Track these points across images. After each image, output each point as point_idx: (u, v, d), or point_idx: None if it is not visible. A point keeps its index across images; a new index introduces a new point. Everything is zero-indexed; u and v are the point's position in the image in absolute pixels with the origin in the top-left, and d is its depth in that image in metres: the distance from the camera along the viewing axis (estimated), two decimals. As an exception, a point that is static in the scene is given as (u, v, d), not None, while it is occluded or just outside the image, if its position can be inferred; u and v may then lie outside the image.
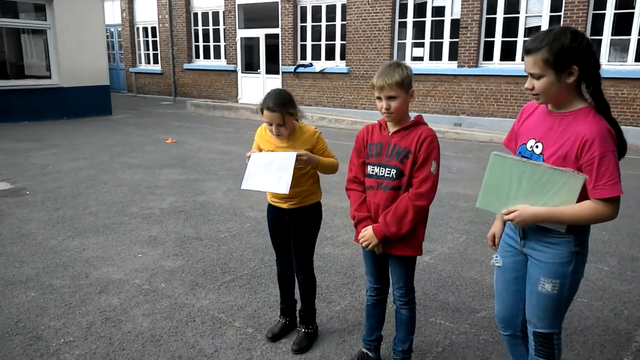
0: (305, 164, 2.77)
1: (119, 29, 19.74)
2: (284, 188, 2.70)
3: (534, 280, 2.11)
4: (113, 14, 19.53)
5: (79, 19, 13.12)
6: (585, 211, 1.94)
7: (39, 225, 5.10)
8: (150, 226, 5.11)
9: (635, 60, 10.24)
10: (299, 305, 3.20)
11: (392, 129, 2.54)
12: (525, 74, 2.02)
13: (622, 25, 10.31)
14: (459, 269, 4.17)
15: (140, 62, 19.62)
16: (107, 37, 18.76)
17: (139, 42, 19.42)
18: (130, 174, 7.27)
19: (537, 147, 2.06)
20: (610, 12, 10.33)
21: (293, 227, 2.97)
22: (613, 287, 3.84)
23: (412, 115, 2.56)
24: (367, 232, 2.53)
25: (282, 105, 2.75)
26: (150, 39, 19.02)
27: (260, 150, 2.92)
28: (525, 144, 2.11)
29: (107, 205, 5.80)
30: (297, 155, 2.70)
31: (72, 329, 3.19)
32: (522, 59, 2.06)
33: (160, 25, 18.18)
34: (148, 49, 19.26)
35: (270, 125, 2.79)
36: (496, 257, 2.31)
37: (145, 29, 19.09)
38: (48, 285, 3.80)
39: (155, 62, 19.03)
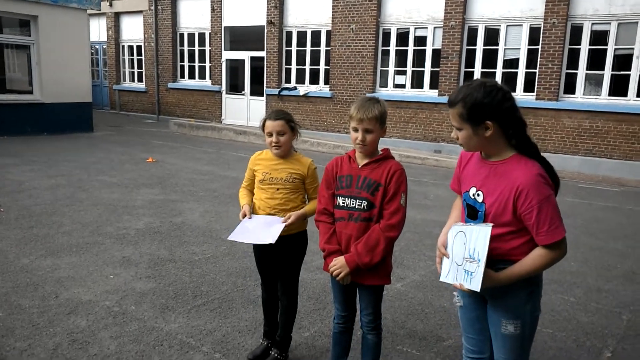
0: (294, 221, 2.89)
1: (104, 46, 19.77)
2: (270, 239, 2.83)
3: (496, 322, 2.15)
4: (99, 31, 19.59)
5: (64, 35, 13.14)
6: (536, 260, 1.99)
7: (11, 243, 5.05)
8: (124, 247, 5.09)
9: (609, 95, 10.57)
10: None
11: (361, 161, 2.62)
12: None
13: (597, 60, 10.66)
14: (429, 296, 4.22)
15: (125, 80, 19.62)
16: (92, 54, 18.82)
17: (123, 60, 19.47)
18: (108, 193, 7.24)
19: (478, 195, 2.11)
20: (585, 47, 10.69)
21: (279, 254, 3.02)
22: (577, 318, 3.92)
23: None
24: (339, 261, 2.58)
25: (284, 115, 2.95)
26: (135, 57, 19.07)
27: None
28: (468, 192, 2.17)
29: (82, 224, 5.76)
30: (283, 222, 2.87)
31: (37, 350, 3.16)
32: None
33: (146, 44, 18.27)
34: (133, 67, 19.29)
35: (271, 137, 2.91)
36: (457, 296, 2.33)
37: (130, 47, 19.15)
38: (16, 305, 3.76)
39: (140, 80, 19.06)
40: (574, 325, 3.80)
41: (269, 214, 2.97)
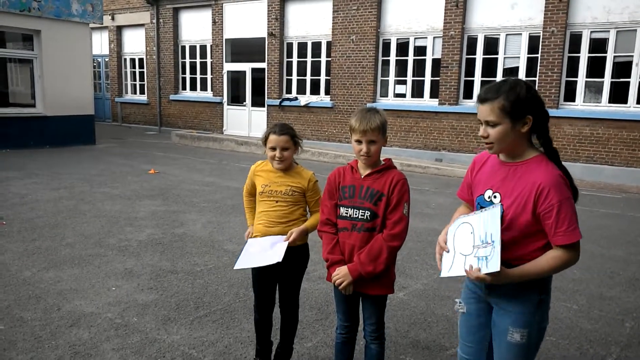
0: (296, 238, 2.90)
1: (107, 59, 19.91)
2: (277, 258, 2.81)
3: (502, 330, 2.13)
4: (101, 45, 19.74)
5: (66, 49, 13.25)
6: (550, 262, 1.99)
7: (13, 256, 5.07)
8: (126, 258, 5.10)
9: (609, 102, 10.59)
10: (275, 345, 3.22)
11: (364, 171, 2.63)
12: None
13: (596, 67, 10.70)
14: (431, 305, 4.22)
15: (127, 92, 19.73)
16: (94, 67, 18.96)
17: (125, 72, 19.59)
18: (110, 205, 7.26)
19: (495, 197, 2.10)
20: (584, 55, 10.73)
21: (281, 267, 2.96)
22: (580, 325, 3.91)
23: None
24: (341, 270, 2.58)
25: (289, 130, 2.94)
26: (137, 69, 19.20)
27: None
28: (483, 195, 2.16)
29: (85, 236, 5.78)
30: (285, 240, 2.88)
31: (40, 363, 3.17)
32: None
33: (148, 56, 18.39)
34: (135, 80, 19.41)
35: (274, 151, 2.89)
36: (460, 302, 2.31)
37: (132, 60, 19.28)
38: (19, 318, 3.76)
39: (142, 92, 19.16)
40: (577, 333, 3.79)
41: (268, 227, 2.96)
